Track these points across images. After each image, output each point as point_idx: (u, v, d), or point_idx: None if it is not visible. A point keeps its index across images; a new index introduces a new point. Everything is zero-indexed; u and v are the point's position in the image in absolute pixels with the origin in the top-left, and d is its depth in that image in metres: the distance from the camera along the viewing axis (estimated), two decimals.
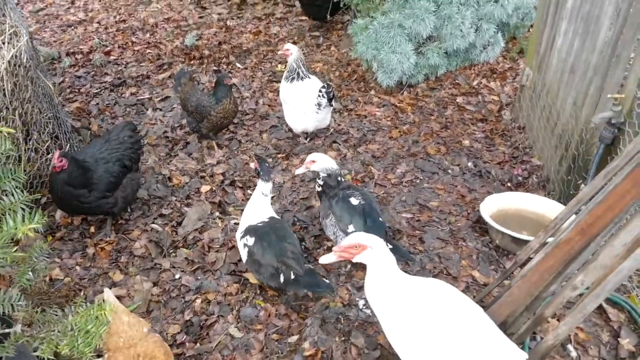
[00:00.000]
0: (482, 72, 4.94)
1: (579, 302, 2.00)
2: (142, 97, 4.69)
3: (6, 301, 2.04)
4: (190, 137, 4.05)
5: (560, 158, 3.30)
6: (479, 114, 4.36)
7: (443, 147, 3.92)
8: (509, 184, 3.55)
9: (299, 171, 2.95)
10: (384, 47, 4.38)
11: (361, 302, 2.66)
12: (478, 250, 2.98)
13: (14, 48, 3.17)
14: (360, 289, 2.73)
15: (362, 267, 2.88)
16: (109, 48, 5.75)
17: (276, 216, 2.80)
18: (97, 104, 4.60)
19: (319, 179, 2.90)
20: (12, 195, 1.93)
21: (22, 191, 1.97)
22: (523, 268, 2.29)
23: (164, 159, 3.85)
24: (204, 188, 3.52)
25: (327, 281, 2.60)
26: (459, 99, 4.56)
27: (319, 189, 2.91)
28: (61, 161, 2.81)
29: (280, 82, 3.99)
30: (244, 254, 2.69)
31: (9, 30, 3.39)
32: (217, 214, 3.32)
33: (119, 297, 2.67)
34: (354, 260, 2.02)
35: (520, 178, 3.57)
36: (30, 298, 2.66)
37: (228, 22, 6.32)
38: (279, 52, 4.03)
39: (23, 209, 1.88)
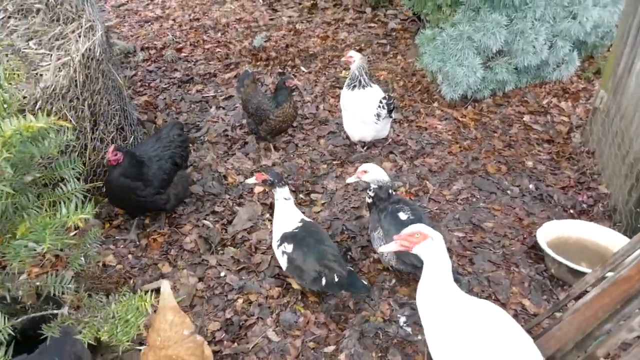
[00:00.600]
0: (553, 91, 4.74)
1: (635, 346, 1.87)
2: (207, 95, 4.80)
3: (58, 283, 2.13)
4: (248, 138, 4.11)
5: (630, 188, 3.10)
6: (546, 134, 4.18)
7: (504, 167, 3.78)
8: (571, 211, 3.38)
9: (350, 180, 2.93)
10: (451, 60, 4.28)
11: (402, 319, 2.60)
12: (531, 278, 2.85)
13: (88, 42, 3.32)
14: (403, 305, 2.67)
15: (406, 282, 2.82)
16: (181, 45, 5.93)
17: (306, 218, 2.81)
18: (164, 98, 4.76)
19: (370, 190, 2.86)
20: (69, 183, 2.02)
21: (78, 180, 2.05)
22: (577, 302, 2.17)
23: (222, 157, 3.92)
24: (257, 189, 3.55)
25: (366, 283, 2.60)
26: (526, 118, 4.39)
27: (369, 200, 2.87)
28: (116, 155, 2.89)
29: (342, 88, 3.98)
30: (283, 262, 2.69)
31: (85, 24, 3.56)
32: (267, 215, 3.34)
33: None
34: (413, 250, 1.97)
35: (584, 205, 3.39)
36: (84, 282, 2.77)
37: (297, 26, 6.37)
38: (343, 59, 4.03)
39: (78, 198, 1.96)
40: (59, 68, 3.08)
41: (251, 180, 2.76)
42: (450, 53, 4.30)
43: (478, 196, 3.50)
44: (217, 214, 3.37)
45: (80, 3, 3.92)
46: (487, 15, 4.30)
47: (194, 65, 5.45)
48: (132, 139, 3.67)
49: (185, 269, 2.93)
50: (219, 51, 5.75)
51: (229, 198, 3.50)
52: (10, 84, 1.89)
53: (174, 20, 6.78)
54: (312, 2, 7.02)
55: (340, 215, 3.34)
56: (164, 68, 5.40)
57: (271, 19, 6.71)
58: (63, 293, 2.12)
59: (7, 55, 3.33)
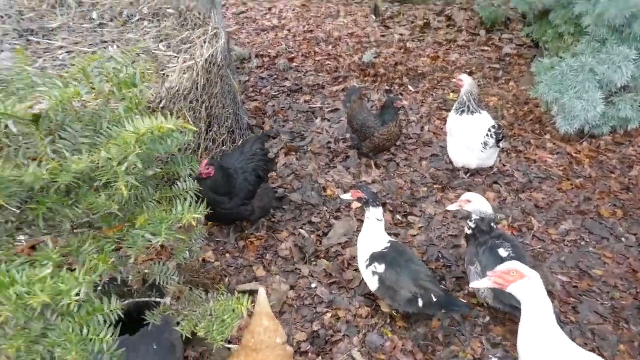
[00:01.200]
0: None
1: None
2: (314, 106, 4.89)
3: (163, 273, 2.25)
4: (350, 152, 4.13)
5: None
6: None
7: (620, 211, 3.52)
8: None
9: (452, 208, 2.85)
10: (569, 91, 4.06)
11: None
12: None
13: (212, 48, 3.50)
14: (496, 345, 2.55)
15: (501, 322, 2.70)
16: (293, 55, 6.11)
17: (393, 239, 2.77)
18: (274, 106, 4.91)
19: (471, 221, 2.77)
20: (185, 182, 2.12)
21: (193, 180, 2.16)
22: None
23: (323, 169, 3.97)
24: (355, 204, 3.56)
25: (464, 302, 2.54)
26: None
27: (469, 231, 2.78)
28: (208, 169, 2.97)
29: (449, 111, 3.91)
30: (373, 282, 2.65)
31: (211, 32, 3.76)
32: None
33: (255, 292, 2.80)
34: (508, 289, 1.90)
35: None
36: (183, 274, 2.91)
37: (408, 44, 6.35)
38: (453, 82, 3.95)
39: (191, 196, 2.07)
40: (184, 71, 3.27)
41: (347, 196, 2.77)
42: (569, 84, 4.09)
43: (588, 240, 3.28)
44: (313, 224, 3.42)
45: (208, 11, 4.15)
46: (614, 48, 4.05)
47: (304, 75, 5.58)
48: (240, 142, 3.81)
49: (278, 275, 2.99)
50: (328, 64, 5.85)
51: (326, 210, 3.54)
52: (144, 83, 2.03)
53: (288, 30, 7.01)
54: (424, 21, 6.97)
55: (437, 241, 3.26)
56: (275, 76, 5.58)
57: (382, 36, 6.73)
58: (167, 283, 2.23)
59: (139, 55, 3.59)
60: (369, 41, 6.55)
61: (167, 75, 3.32)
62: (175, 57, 3.57)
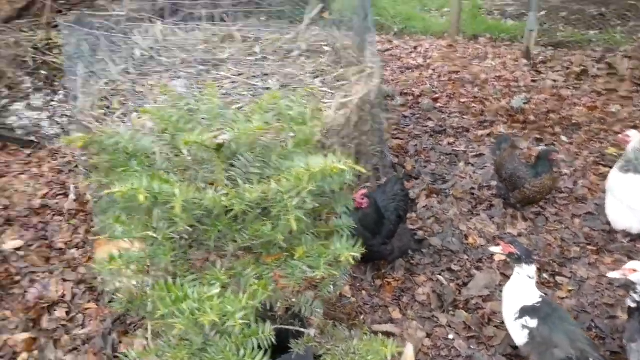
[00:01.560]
0: None
1: None
2: (458, 149, 4.80)
3: (308, 304, 2.31)
4: (495, 201, 3.98)
5: None
6: None
7: None
8: None
9: (613, 275, 2.61)
10: None
11: None
12: None
13: (367, 86, 3.59)
14: None
15: None
16: (437, 95, 6.07)
17: (545, 295, 2.60)
18: (416, 145, 4.89)
19: (635, 292, 2.52)
20: (341, 218, 2.17)
21: (348, 216, 2.20)
22: None
23: (465, 215, 3.86)
24: (498, 257, 3.40)
25: None
26: None
27: (633, 304, 2.53)
28: (363, 199, 2.98)
29: (608, 166, 3.63)
30: (522, 337, 2.50)
31: (366, 70, 3.87)
32: None
33: (391, 334, 2.77)
34: None
35: None
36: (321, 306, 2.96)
37: (562, 91, 6.03)
38: (619, 136, 3.67)
39: (346, 233, 2.11)
40: (339, 107, 3.39)
41: (496, 249, 2.66)
42: None
43: None
44: (453, 272, 3.32)
45: (363, 50, 4.28)
46: None
47: (448, 117, 5.52)
48: (384, 180, 3.84)
49: (414, 321, 2.93)
50: (474, 106, 5.73)
51: (467, 259, 3.42)
52: (313, 121, 2.12)
53: (433, 70, 6.99)
54: (581, 68, 6.60)
55: (590, 309, 3.00)
56: (418, 115, 5.57)
57: (533, 81, 6.47)
58: (311, 314, 2.28)
59: (296, 89, 3.79)
60: (518, 86, 6.33)
61: (323, 111, 3.45)
62: (330, 92, 3.72)
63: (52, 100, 5.61)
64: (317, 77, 3.99)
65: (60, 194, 4.19)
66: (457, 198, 4.05)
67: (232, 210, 1.77)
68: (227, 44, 4.64)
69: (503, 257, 3.34)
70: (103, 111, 3.47)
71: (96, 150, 1.93)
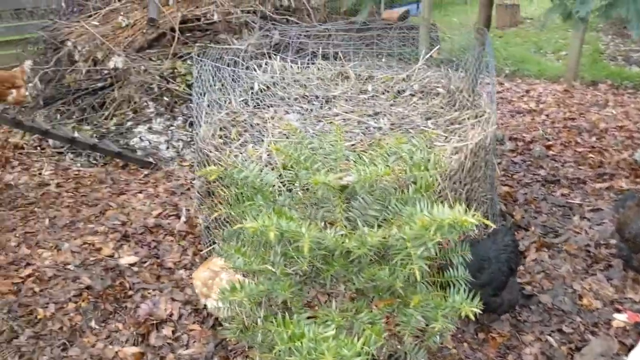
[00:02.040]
0: None
1: None
2: (572, 201, 4.54)
3: (413, 352, 2.24)
4: (614, 261, 3.69)
5: None
6: None
7: None
8: None
9: None
10: None
11: None
12: None
13: (483, 131, 3.51)
14: None
15: None
16: (550, 142, 5.81)
17: None
18: (525, 194, 4.68)
19: None
20: (457, 269, 2.11)
21: (465, 268, 2.13)
22: None
23: (579, 273, 3.62)
24: (616, 323, 3.14)
25: None
26: None
27: None
28: None
29: None
30: None
31: (482, 115, 3.78)
32: (625, 357, 2.91)
33: None
34: None
35: None
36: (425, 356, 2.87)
37: None
38: None
39: (463, 286, 2.04)
40: (454, 152, 3.32)
41: (620, 317, 2.45)
42: None
43: None
44: (564, 334, 3.10)
45: (478, 94, 4.21)
46: None
47: (562, 166, 5.25)
48: (492, 229, 3.70)
49: None
50: (591, 157, 5.41)
51: (580, 321, 3.18)
52: (436, 168, 2.09)
53: (546, 115, 6.72)
54: None
55: None
56: (529, 162, 5.35)
57: None
58: None
59: (409, 130, 3.77)
60: None
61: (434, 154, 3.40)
62: (443, 136, 3.66)
63: (171, 125, 6.00)
64: (429, 118, 3.96)
65: (172, 215, 4.43)
66: (570, 254, 3.81)
67: (350, 251, 1.77)
68: (340, 81, 4.74)
69: (622, 324, 3.09)
70: (222, 140, 3.64)
71: (227, 182, 2.01)
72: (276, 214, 1.65)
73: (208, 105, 3.82)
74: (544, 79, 8.23)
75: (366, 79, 4.83)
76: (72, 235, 4.07)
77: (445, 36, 9.62)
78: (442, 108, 4.20)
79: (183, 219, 4.30)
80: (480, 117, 3.80)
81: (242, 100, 4.25)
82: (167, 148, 5.77)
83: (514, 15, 10.93)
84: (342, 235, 1.85)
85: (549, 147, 5.67)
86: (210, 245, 3.75)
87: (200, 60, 3.76)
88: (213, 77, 3.87)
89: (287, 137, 3.65)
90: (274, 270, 1.88)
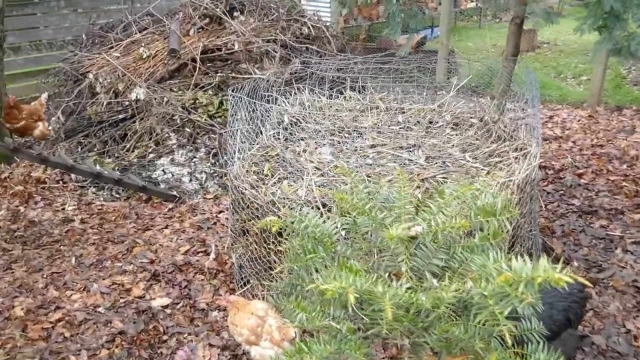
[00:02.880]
0: None
1: None
2: (612, 233, 4.39)
3: None
4: None
5: None
6: None
7: None
8: None
9: None
10: None
11: None
12: None
13: (529, 165, 3.39)
14: None
15: None
16: (581, 170, 5.68)
17: None
18: (562, 225, 4.54)
19: None
20: (530, 322, 1.97)
21: (538, 320, 2.00)
22: None
23: (630, 311, 3.46)
24: None
25: None
26: None
27: None
28: None
29: None
30: None
31: (526, 148, 3.67)
32: None
33: None
34: None
35: None
36: None
37: None
38: None
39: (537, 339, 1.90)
40: (502, 187, 3.20)
41: None
42: None
43: None
44: None
45: (516, 124, 4.10)
46: None
47: (596, 195, 5.11)
48: None
49: None
50: (626, 185, 5.27)
51: None
52: (506, 214, 1.97)
53: (573, 142, 6.59)
54: None
55: None
56: (561, 192, 5.21)
57: None
58: None
59: (447, 164, 3.66)
60: None
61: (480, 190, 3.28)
62: (483, 169, 3.55)
63: (194, 157, 5.92)
64: (465, 151, 3.85)
65: (201, 251, 4.32)
66: (618, 290, 3.65)
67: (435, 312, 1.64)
68: (370, 113, 4.65)
69: None
70: (255, 177, 3.54)
71: (286, 234, 1.90)
72: (350, 272, 1.53)
73: (242, 141, 3.73)
74: (566, 105, 8.12)
75: (396, 110, 4.74)
76: (100, 275, 3.96)
77: (465, 62, 9.54)
78: (477, 139, 4.09)
79: (212, 255, 4.18)
80: (521, 149, 3.69)
81: (273, 134, 4.17)
82: (190, 180, 5.68)
83: (531, 40, 10.88)
84: (412, 290, 1.72)
85: (580, 176, 5.54)
86: (244, 284, 3.63)
87: (235, 96, 3.69)
88: (246, 112, 3.80)
89: (322, 174, 3.55)
90: (339, 327, 1.75)
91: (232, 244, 3.67)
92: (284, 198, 3.21)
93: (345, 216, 2.00)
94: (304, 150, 3.95)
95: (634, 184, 5.28)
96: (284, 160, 3.77)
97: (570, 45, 11.62)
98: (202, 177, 5.73)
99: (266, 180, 3.52)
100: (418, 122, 4.50)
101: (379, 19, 12.80)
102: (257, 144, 3.92)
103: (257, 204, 3.23)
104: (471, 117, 4.44)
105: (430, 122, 4.49)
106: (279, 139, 4.10)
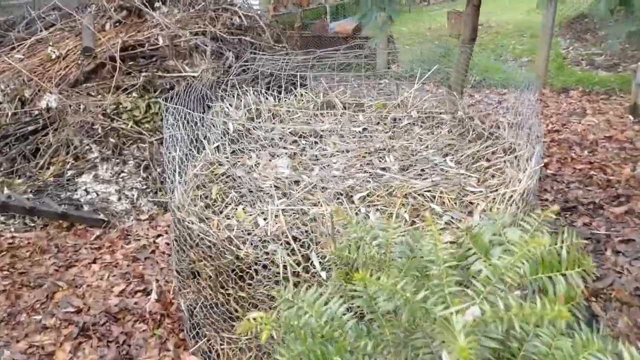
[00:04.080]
0: None
1: None
2: (597, 232, 4.05)
3: None
4: None
5: None
6: None
7: None
8: None
9: None
10: None
11: None
12: None
13: (530, 172, 2.92)
14: None
15: None
16: (545, 160, 5.36)
17: None
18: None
19: None
20: None
21: None
22: None
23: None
24: None
25: None
26: None
27: None
28: None
29: None
30: None
31: (518, 151, 3.21)
32: None
33: None
34: None
35: None
36: None
37: None
38: None
39: None
40: (507, 200, 2.71)
41: None
42: None
43: None
44: None
45: (496, 121, 3.65)
46: None
47: (567, 188, 4.79)
48: None
49: None
50: (593, 174, 4.99)
51: None
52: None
53: (529, 129, 6.29)
54: None
55: None
56: None
57: None
58: None
59: (426, 171, 3.15)
60: (635, 148, 5.58)
61: (473, 203, 2.79)
62: (471, 176, 3.06)
63: (122, 172, 5.13)
64: (446, 155, 3.34)
65: (139, 291, 3.61)
66: (623, 303, 3.29)
67: None
68: (326, 113, 4.07)
69: None
70: (203, 203, 2.88)
71: (283, 331, 1.29)
72: None
73: (181, 160, 3.04)
74: (512, 88, 7.87)
75: (355, 107, 4.18)
76: (13, 335, 3.17)
77: (404, 47, 9.13)
78: (453, 139, 3.61)
79: (154, 295, 3.49)
80: (510, 151, 3.23)
81: (217, 147, 3.50)
82: (120, 199, 4.90)
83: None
84: None
85: (546, 166, 5.22)
86: (197, 335, 2.97)
87: (167, 105, 2.99)
88: (184, 124, 3.11)
89: (284, 194, 2.94)
90: None
91: (179, 289, 2.99)
92: (243, 232, 2.58)
93: (353, 284, 1.40)
94: (256, 164, 3.32)
95: (602, 172, 5.01)
96: (234, 179, 3.12)
97: (504, 26, 11.51)
98: (133, 195, 4.96)
99: (216, 207, 2.86)
100: (381, 121, 3.96)
101: (309, 5, 12.20)
102: (201, 161, 3.24)
103: (209, 242, 2.58)
104: (441, 113, 3.95)
105: (395, 120, 3.97)
106: (225, 152, 3.44)
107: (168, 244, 4.17)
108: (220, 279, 2.62)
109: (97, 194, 4.92)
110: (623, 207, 4.35)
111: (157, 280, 3.66)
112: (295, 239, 2.49)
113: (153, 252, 4.10)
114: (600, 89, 7.48)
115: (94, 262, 3.98)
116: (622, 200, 4.46)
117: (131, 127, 5.42)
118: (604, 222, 4.15)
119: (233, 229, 2.56)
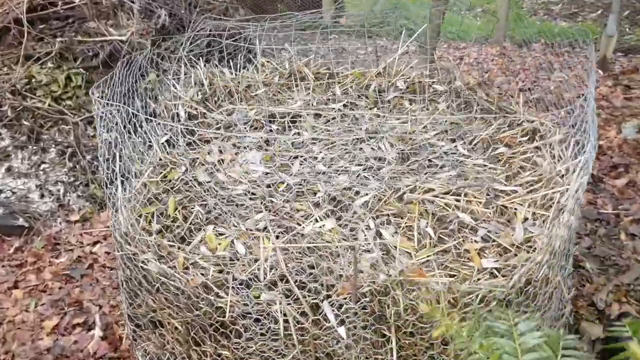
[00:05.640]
0: None
1: None
2: (604, 211, 3.64)
3: None
4: None
5: None
6: None
7: None
8: None
9: None
10: None
11: None
12: None
13: (584, 165, 2.38)
14: None
15: None
16: None
17: None
18: None
19: None
20: None
21: None
22: None
23: None
24: None
25: None
26: None
27: None
28: None
29: None
30: None
31: (545, 133, 2.66)
32: None
33: None
34: None
35: None
36: None
37: None
38: None
39: None
40: (538, 202, 2.15)
41: None
42: None
43: None
44: None
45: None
46: None
47: None
48: None
49: None
50: None
51: None
52: None
53: (499, 88, 5.84)
54: None
55: None
56: None
57: (627, 98, 5.40)
58: None
59: (433, 161, 2.55)
60: (613, 106, 5.23)
61: (510, 209, 2.22)
62: (495, 170, 2.49)
63: (42, 162, 4.23)
64: (453, 140, 2.75)
65: (78, 324, 2.87)
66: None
67: None
68: (296, 88, 3.36)
69: None
70: (158, 226, 2.16)
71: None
72: None
73: (123, 164, 2.28)
74: (470, 42, 7.38)
75: (328, 79, 3.49)
76: None
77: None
78: (452, 113, 3.02)
79: (98, 331, 2.76)
80: (534, 133, 2.68)
81: (167, 140, 2.73)
82: (42, 197, 4.03)
83: None
84: None
85: None
86: None
87: (98, 96, 2.19)
88: (123, 117, 2.33)
89: (263, 204, 2.27)
90: None
91: (133, 338, 2.27)
92: (223, 272, 1.90)
93: None
94: (220, 161, 2.60)
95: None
96: (195, 186, 2.40)
97: None
98: (58, 190, 4.09)
99: (177, 230, 2.15)
100: (361, 95, 3.31)
101: None
102: (150, 164, 2.48)
103: (176, 288, 1.88)
104: (433, 83, 3.33)
105: (380, 93, 3.32)
106: (178, 147, 2.69)
107: (108, 253, 3.42)
108: (193, 333, 1.94)
109: (13, 192, 4.02)
110: (623, 179, 3.95)
111: (100, 307, 2.93)
112: (300, 286, 1.83)
113: (91, 266, 3.33)
114: (562, 41, 7.08)
115: (15, 286, 3.17)
116: (620, 171, 4.07)
117: (49, 105, 4.48)
118: (609, 199, 3.74)
119: (208, 272, 1.87)
